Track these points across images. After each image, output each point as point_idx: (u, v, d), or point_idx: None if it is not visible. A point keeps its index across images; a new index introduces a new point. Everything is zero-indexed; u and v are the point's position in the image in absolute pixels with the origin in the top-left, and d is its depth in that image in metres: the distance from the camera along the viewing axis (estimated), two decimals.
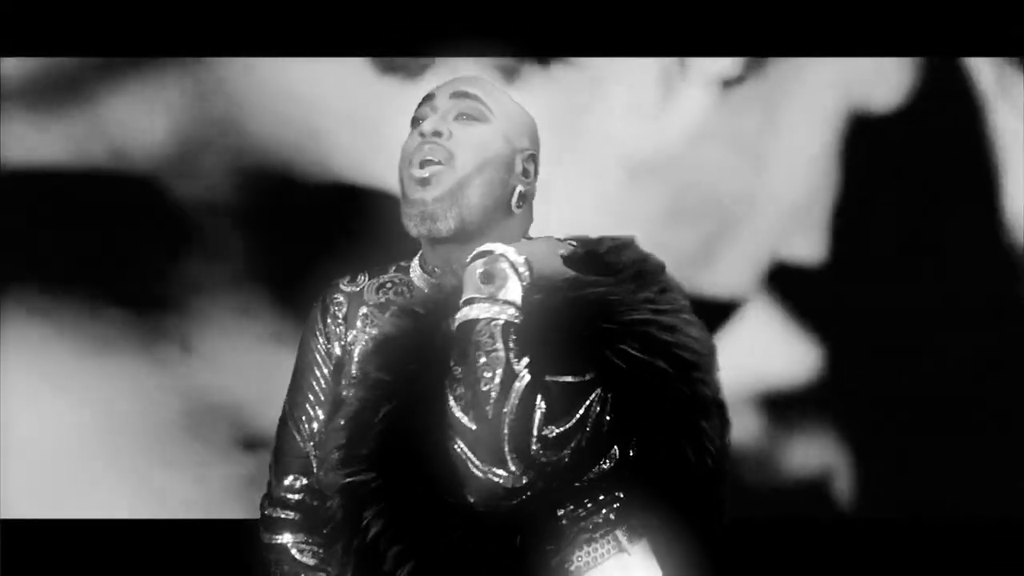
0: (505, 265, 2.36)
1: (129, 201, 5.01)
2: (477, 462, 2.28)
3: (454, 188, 2.49)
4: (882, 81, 5.02)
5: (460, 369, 2.31)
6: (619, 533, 2.42)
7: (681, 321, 2.39)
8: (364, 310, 2.56)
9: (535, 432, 2.28)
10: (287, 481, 2.55)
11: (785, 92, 5.02)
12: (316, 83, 5.03)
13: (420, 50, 4.88)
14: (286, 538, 2.53)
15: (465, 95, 2.55)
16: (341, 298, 2.60)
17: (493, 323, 2.31)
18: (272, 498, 2.55)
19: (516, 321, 2.32)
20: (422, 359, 2.36)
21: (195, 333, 5.02)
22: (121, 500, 5.00)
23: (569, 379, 2.31)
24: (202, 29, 4.96)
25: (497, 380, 2.28)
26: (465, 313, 2.33)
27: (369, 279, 2.61)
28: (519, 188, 2.55)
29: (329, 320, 2.59)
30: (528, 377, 2.29)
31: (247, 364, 5.02)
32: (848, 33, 4.93)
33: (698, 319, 2.44)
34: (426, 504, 2.32)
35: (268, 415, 4.78)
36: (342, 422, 2.42)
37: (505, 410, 2.27)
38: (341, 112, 5.05)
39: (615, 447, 2.38)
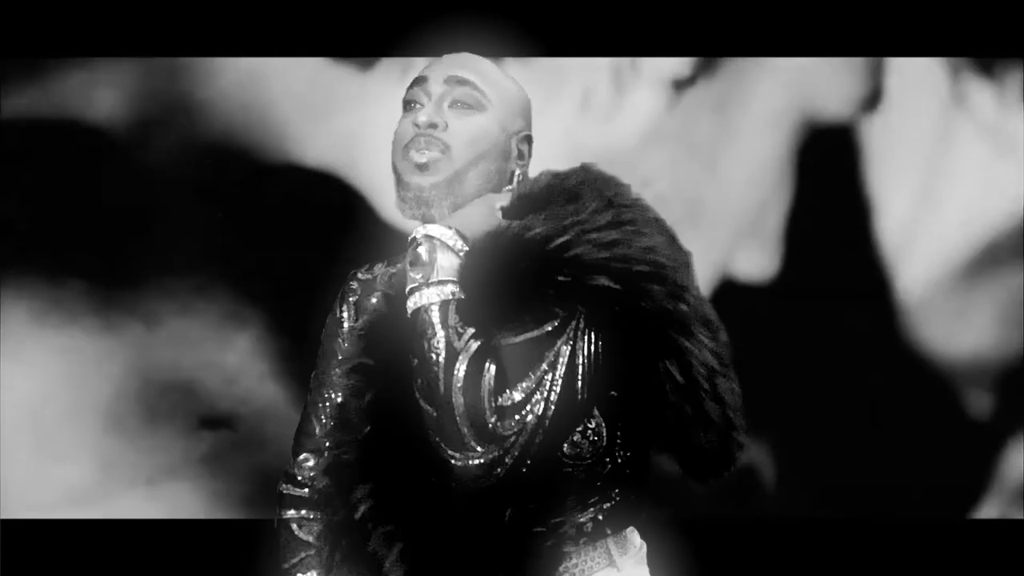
0: (427, 245, 2.30)
1: (90, 174, 5.04)
2: (448, 449, 2.24)
3: (451, 178, 2.42)
4: (835, 85, 5.05)
5: (415, 359, 2.27)
6: (611, 544, 2.39)
7: (625, 233, 2.25)
8: (375, 298, 2.52)
9: (487, 405, 2.22)
10: (300, 458, 2.58)
11: (738, 94, 5.04)
12: (272, 71, 5.04)
13: (377, 49, 4.93)
14: (291, 514, 2.57)
15: (461, 81, 2.45)
16: (356, 286, 2.61)
17: (430, 308, 2.26)
18: (287, 475, 2.59)
19: (454, 298, 2.27)
20: (399, 342, 2.34)
21: (157, 310, 5.05)
22: (81, 472, 5.03)
23: (526, 335, 2.24)
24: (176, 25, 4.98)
25: (441, 362, 2.23)
26: (409, 306, 2.30)
27: (384, 267, 2.61)
28: (516, 172, 2.47)
29: (344, 308, 2.60)
30: (473, 348, 2.24)
31: (206, 342, 5.05)
32: (802, 34, 4.95)
33: (663, 229, 2.31)
34: (412, 481, 2.32)
35: (228, 393, 4.88)
36: (330, 408, 2.48)
37: (452, 391, 2.22)
38: (297, 97, 5.06)
39: (611, 394, 2.31)
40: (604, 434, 2.35)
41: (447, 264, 2.30)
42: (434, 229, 2.32)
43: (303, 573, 2.55)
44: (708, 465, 2.34)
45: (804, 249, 5.09)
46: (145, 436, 5.04)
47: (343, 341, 2.56)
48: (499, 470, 2.24)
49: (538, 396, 2.23)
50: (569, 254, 2.23)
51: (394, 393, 2.34)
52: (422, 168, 2.42)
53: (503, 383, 2.24)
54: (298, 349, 4.99)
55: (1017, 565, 4.99)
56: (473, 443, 2.23)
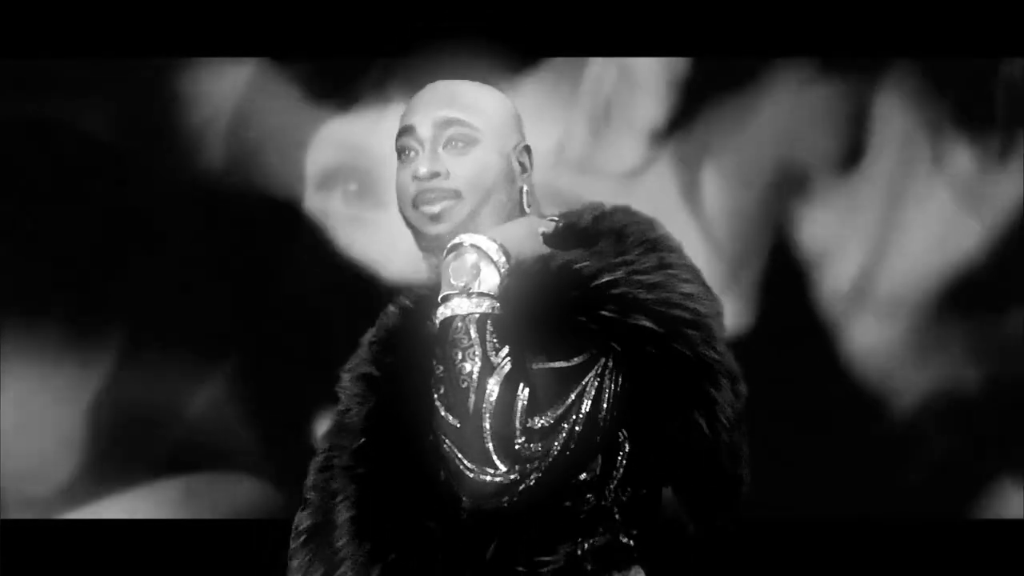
0: (474, 256, 2.28)
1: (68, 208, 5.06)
2: (466, 462, 2.21)
3: (466, 220, 2.40)
4: (816, 140, 5.10)
5: (441, 368, 2.24)
6: None
7: (668, 278, 2.26)
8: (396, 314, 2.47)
9: (518, 425, 2.21)
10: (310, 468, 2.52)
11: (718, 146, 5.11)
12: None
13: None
14: (296, 517, 2.52)
15: (448, 122, 2.42)
16: (393, 308, 2.51)
17: (468, 318, 2.24)
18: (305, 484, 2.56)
19: (493, 312, 2.25)
20: (410, 355, 2.31)
21: (131, 344, 5.05)
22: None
23: (557, 364, 2.24)
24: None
25: (475, 376, 2.21)
26: (442, 311, 2.27)
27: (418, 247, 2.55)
28: (524, 188, 2.45)
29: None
30: (508, 367, 2.22)
31: (182, 377, 5.06)
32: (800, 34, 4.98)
33: (699, 278, 2.32)
34: (398, 496, 2.29)
35: (202, 429, 4.88)
36: (339, 410, 2.41)
37: (484, 406, 2.20)
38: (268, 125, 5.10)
39: (619, 439, 2.30)
40: (596, 473, 2.31)
41: (489, 278, 2.28)
42: (481, 241, 2.30)
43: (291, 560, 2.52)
44: (707, 511, 2.36)
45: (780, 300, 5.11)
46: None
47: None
48: (516, 491, 2.23)
49: (566, 425, 2.23)
50: (616, 291, 2.23)
51: (396, 407, 2.32)
52: (436, 218, 2.41)
53: (535, 406, 2.23)
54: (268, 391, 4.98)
55: (1017, 565, 5.01)
56: (496, 460, 2.21)
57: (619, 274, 2.24)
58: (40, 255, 5.07)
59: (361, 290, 4.95)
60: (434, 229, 2.41)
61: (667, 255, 2.31)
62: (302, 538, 2.38)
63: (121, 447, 5.06)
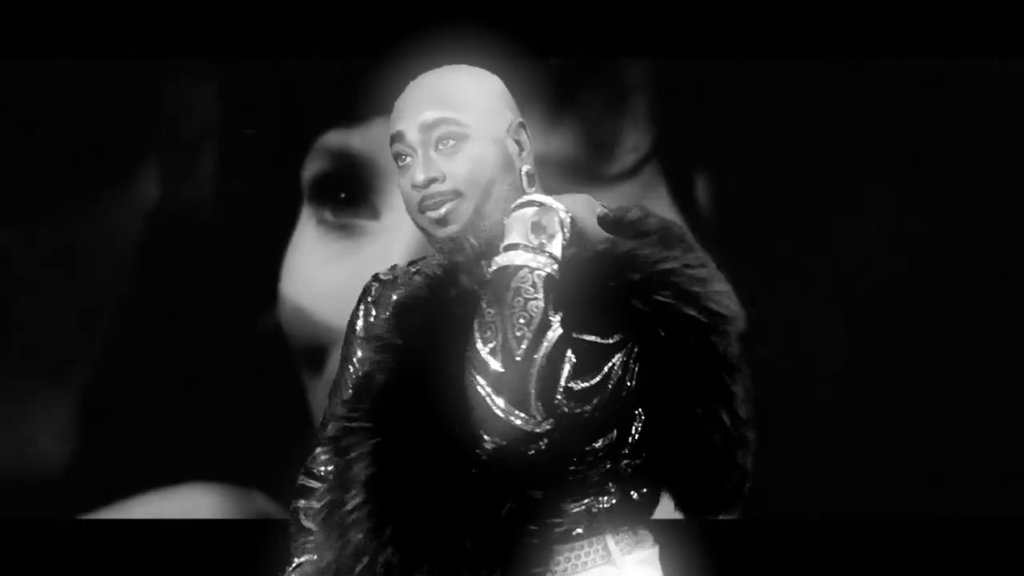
0: (556, 219, 2.32)
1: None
2: (501, 403, 2.25)
3: (473, 217, 2.46)
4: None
5: (492, 311, 2.29)
6: (610, 541, 2.42)
7: (709, 274, 2.36)
8: (395, 295, 2.54)
9: (562, 383, 2.28)
10: (316, 451, 2.59)
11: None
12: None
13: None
14: (301, 503, 2.58)
15: (433, 123, 2.46)
16: (377, 285, 2.63)
17: (536, 272, 2.28)
18: (305, 468, 2.61)
19: (556, 276, 2.30)
20: (434, 324, 2.35)
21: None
22: None
23: (595, 339, 2.30)
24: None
25: (533, 327, 2.26)
26: (510, 258, 2.30)
27: (406, 268, 2.63)
28: (524, 169, 2.50)
29: (363, 306, 2.62)
30: (560, 330, 2.27)
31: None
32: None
33: (723, 278, 2.42)
34: (416, 465, 2.31)
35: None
36: (350, 385, 2.46)
37: (536, 356, 2.25)
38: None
39: (635, 412, 2.37)
40: (611, 443, 2.39)
41: (559, 243, 2.32)
42: (559, 207, 2.35)
43: (299, 556, 2.55)
44: (712, 504, 2.43)
45: None
46: None
47: (371, 330, 2.56)
48: (541, 442, 2.29)
49: (599, 392, 2.32)
50: (673, 279, 2.32)
51: (418, 371, 2.35)
52: (442, 222, 2.46)
53: (579, 371, 2.29)
54: None
55: (1017, 565, 5.02)
56: (533, 407, 2.26)
57: (675, 265, 2.33)
58: None
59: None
60: (442, 232, 2.46)
61: (703, 256, 2.40)
62: (323, 515, 2.39)
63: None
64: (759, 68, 5.09)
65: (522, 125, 2.51)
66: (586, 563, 2.40)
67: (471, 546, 2.28)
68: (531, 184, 2.49)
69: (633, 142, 5.13)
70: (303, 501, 2.58)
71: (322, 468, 2.57)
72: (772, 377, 4.93)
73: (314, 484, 2.58)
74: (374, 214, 5.08)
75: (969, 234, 5.12)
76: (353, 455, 2.35)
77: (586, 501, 2.38)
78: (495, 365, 2.26)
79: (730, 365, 2.35)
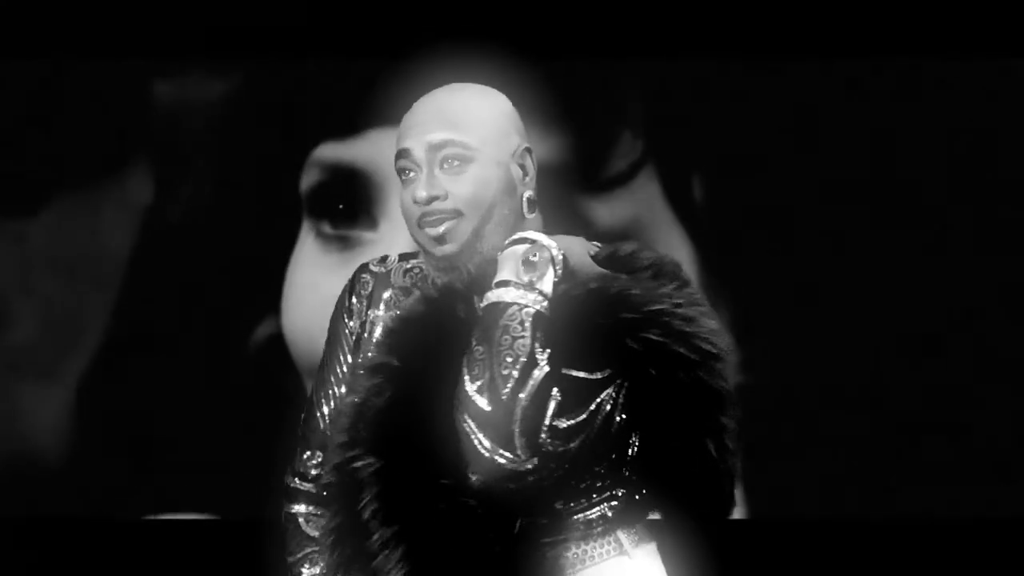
0: (548, 256, 2.37)
1: None
2: (485, 442, 2.30)
3: (471, 238, 2.48)
4: None
5: (481, 349, 2.32)
6: (621, 535, 2.45)
7: (699, 313, 2.39)
8: (388, 293, 2.57)
9: (547, 422, 2.31)
10: (307, 455, 2.60)
11: None
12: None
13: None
14: (299, 508, 2.59)
15: (441, 144, 2.47)
16: (368, 277, 2.62)
17: (525, 310, 2.33)
18: (293, 470, 2.61)
19: (545, 313, 2.33)
20: (431, 345, 2.38)
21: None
22: None
23: (582, 375, 2.33)
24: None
25: (519, 366, 2.29)
26: (500, 295, 2.34)
27: (398, 262, 2.62)
28: (526, 195, 2.52)
29: (354, 298, 2.61)
30: (548, 368, 2.30)
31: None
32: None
33: (716, 316, 2.45)
34: (422, 486, 2.34)
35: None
36: (349, 406, 2.43)
37: (521, 395, 2.29)
38: None
39: (630, 440, 2.40)
40: (610, 466, 2.43)
41: (549, 281, 2.37)
42: (552, 245, 2.39)
43: (310, 567, 2.57)
44: (697, 521, 2.46)
45: None
46: None
47: (358, 332, 2.58)
48: (526, 480, 2.33)
49: (585, 430, 2.35)
50: (663, 319, 2.36)
51: (416, 395, 2.38)
52: (440, 240, 2.48)
53: (564, 409, 2.33)
54: None
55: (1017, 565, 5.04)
56: (518, 447, 2.30)
57: (665, 305, 2.37)
58: None
59: None
60: (439, 251, 2.48)
61: (694, 293, 2.45)
62: (331, 538, 2.41)
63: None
64: (755, 70, 5.11)
65: (528, 151, 2.53)
66: (602, 554, 2.44)
67: (485, 564, 2.33)
68: (531, 210, 2.52)
69: (627, 146, 5.15)
70: (301, 506, 2.59)
71: (314, 471, 2.59)
72: (771, 378, 4.98)
73: (306, 487, 2.59)
74: (372, 225, 5.09)
75: (970, 234, 5.13)
76: (364, 494, 2.37)
77: (599, 509, 2.43)
78: (481, 403, 2.31)
79: (720, 399, 2.39)
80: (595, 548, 2.44)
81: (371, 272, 2.63)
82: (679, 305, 2.38)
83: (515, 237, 2.39)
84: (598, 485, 2.42)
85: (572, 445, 2.33)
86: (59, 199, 5.14)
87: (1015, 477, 5.08)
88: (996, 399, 5.11)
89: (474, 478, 2.32)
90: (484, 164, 2.48)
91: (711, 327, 2.40)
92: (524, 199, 2.51)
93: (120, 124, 5.15)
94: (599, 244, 2.50)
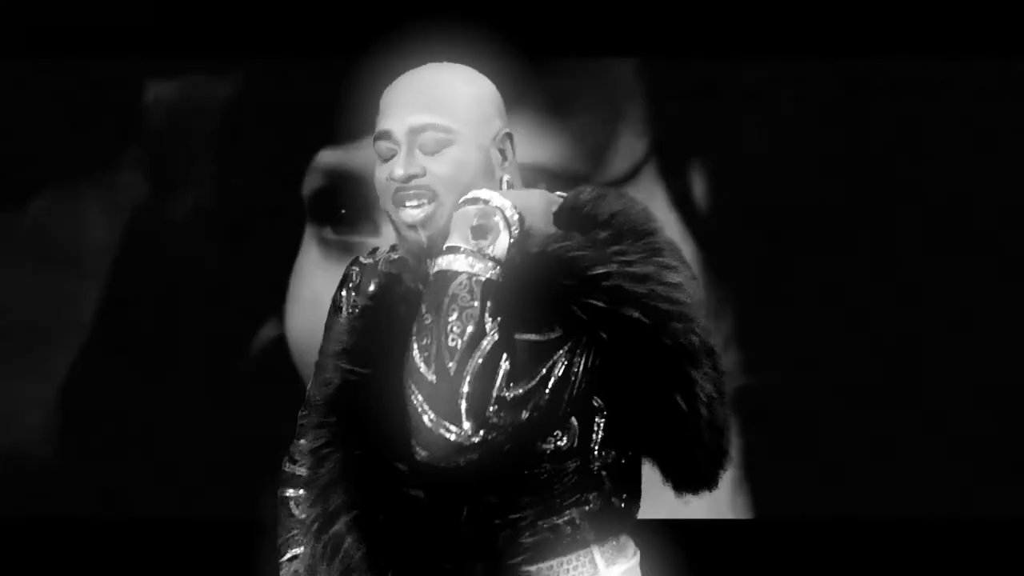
0: (499, 219, 2.32)
1: None
2: (432, 414, 2.25)
3: (447, 225, 2.41)
4: None
5: (429, 318, 2.29)
6: (596, 551, 2.40)
7: (656, 268, 2.31)
8: (375, 283, 2.53)
9: (494, 393, 2.26)
10: (302, 442, 2.58)
11: None
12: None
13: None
14: (290, 492, 2.60)
15: (422, 127, 2.43)
16: (357, 269, 2.62)
17: (475, 279, 2.28)
18: (289, 454, 2.63)
19: (497, 280, 2.29)
20: (380, 322, 2.36)
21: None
22: None
23: (533, 337, 2.28)
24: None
25: (466, 336, 2.25)
26: (449, 262, 2.31)
27: (387, 252, 2.61)
28: (505, 179, 2.47)
29: (343, 291, 2.62)
30: (496, 336, 2.27)
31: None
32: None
33: (683, 263, 2.38)
34: (378, 471, 2.32)
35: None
36: (326, 391, 2.42)
37: (468, 368, 2.25)
38: None
39: (594, 419, 2.36)
40: (576, 438, 2.38)
41: (502, 244, 2.32)
42: (506, 206, 2.34)
43: (291, 548, 2.57)
44: (694, 482, 2.42)
45: None
46: None
47: (340, 325, 2.55)
48: (474, 453, 2.27)
49: (534, 397, 2.30)
50: (608, 284, 2.28)
51: (365, 376, 2.36)
52: (414, 227, 2.43)
53: (513, 377, 2.28)
54: None
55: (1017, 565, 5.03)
56: (464, 420, 2.25)
57: (612, 267, 2.29)
58: None
59: None
60: (412, 234, 2.44)
61: (656, 242, 2.36)
62: (314, 526, 2.40)
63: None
64: (756, 68, 5.11)
65: (508, 135, 2.49)
66: (571, 571, 2.39)
67: (441, 551, 2.31)
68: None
69: (629, 146, 5.15)
70: (291, 490, 2.60)
71: (299, 456, 2.59)
72: (771, 378, 4.98)
73: (299, 471, 2.58)
74: (375, 230, 5.09)
75: (971, 233, 5.13)
76: (324, 468, 2.37)
77: (567, 513, 2.38)
78: (428, 374, 2.26)
79: (685, 352, 2.32)
80: (567, 570, 2.39)
81: (360, 264, 2.63)
82: (631, 263, 2.30)
83: (467, 196, 2.35)
84: (565, 480, 2.36)
85: (521, 416, 2.28)
86: (47, 194, 5.16)
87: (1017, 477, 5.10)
88: (997, 400, 5.11)
89: (420, 453, 2.27)
90: (464, 146, 2.44)
91: (670, 282, 2.32)
92: (503, 183, 2.46)
93: (114, 122, 5.15)
94: (563, 193, 2.45)
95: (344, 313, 2.60)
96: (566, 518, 2.37)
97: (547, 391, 2.30)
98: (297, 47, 5.08)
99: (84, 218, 5.16)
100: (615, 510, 2.42)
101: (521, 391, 2.28)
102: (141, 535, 5.09)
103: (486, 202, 2.33)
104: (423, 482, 2.30)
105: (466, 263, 2.30)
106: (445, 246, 2.32)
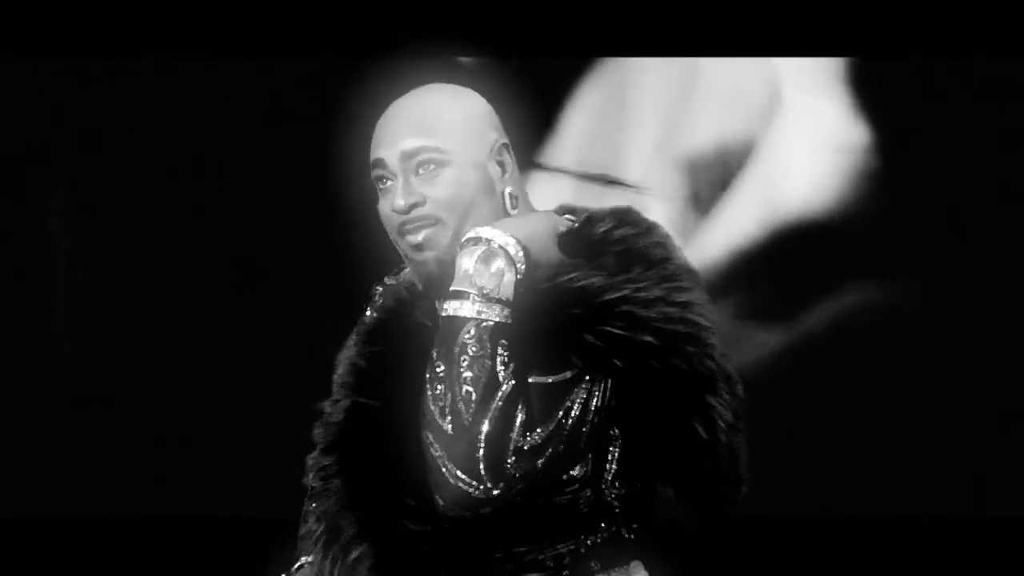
0: (503, 260, 2.30)
1: None
2: (451, 466, 2.25)
3: (451, 242, 2.40)
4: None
5: (441, 366, 2.28)
6: None
7: (666, 292, 2.30)
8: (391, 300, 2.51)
9: (511, 445, 2.24)
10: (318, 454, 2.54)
11: None
12: None
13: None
14: (310, 507, 2.55)
15: (413, 152, 2.41)
16: (380, 289, 2.60)
17: (483, 325, 2.27)
18: (307, 467, 2.56)
19: (507, 323, 2.28)
20: (391, 351, 2.36)
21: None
22: None
23: (548, 380, 2.27)
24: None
25: (480, 387, 2.24)
26: (455, 308, 2.29)
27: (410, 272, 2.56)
28: (507, 191, 2.44)
29: (367, 312, 2.59)
30: (510, 385, 2.25)
31: None
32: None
33: (698, 287, 2.36)
34: (385, 500, 2.33)
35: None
36: (328, 412, 2.43)
37: (484, 421, 2.23)
38: None
39: (608, 448, 2.35)
40: (589, 468, 2.36)
41: (509, 284, 2.30)
42: (509, 244, 2.32)
43: (303, 556, 2.57)
44: (709, 510, 2.40)
45: None
46: None
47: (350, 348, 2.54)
48: (496, 505, 2.27)
49: (552, 442, 2.27)
50: (621, 309, 2.26)
51: (379, 401, 2.37)
52: (419, 248, 2.42)
53: (530, 425, 2.26)
54: None
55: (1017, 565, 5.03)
56: (483, 475, 2.24)
57: (624, 292, 2.27)
58: None
59: None
60: (420, 257, 2.42)
61: (669, 268, 2.35)
62: (321, 541, 2.41)
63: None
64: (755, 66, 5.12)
65: (505, 146, 2.47)
66: None
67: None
68: (514, 206, 2.45)
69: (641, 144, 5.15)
70: (314, 504, 2.57)
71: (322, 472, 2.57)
72: (772, 377, 4.99)
73: (316, 484, 2.55)
74: None
75: (973, 232, 5.13)
76: (330, 487, 2.39)
77: (575, 543, 2.37)
78: (444, 426, 2.25)
79: (701, 377, 2.30)
80: None
81: (384, 284, 2.61)
82: (640, 289, 2.27)
83: (468, 236, 2.34)
84: (577, 509, 2.36)
85: (539, 463, 2.26)
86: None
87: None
88: (997, 399, 5.11)
89: (441, 503, 2.27)
90: (460, 166, 2.42)
91: (681, 300, 2.30)
92: (506, 196, 2.44)
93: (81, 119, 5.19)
94: (572, 217, 2.44)
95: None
96: (570, 546, 2.37)
97: (564, 434, 2.28)
98: (295, 48, 5.09)
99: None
100: (623, 541, 2.41)
101: (538, 439, 2.26)
102: (140, 536, 5.10)
103: (488, 241, 2.32)
104: (430, 517, 2.30)
105: (473, 310, 2.28)
106: (451, 289, 2.31)
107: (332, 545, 2.38)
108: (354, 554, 2.34)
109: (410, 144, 2.42)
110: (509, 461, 2.24)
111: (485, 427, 2.23)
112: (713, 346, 2.32)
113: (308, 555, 2.54)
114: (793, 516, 5.04)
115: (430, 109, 2.46)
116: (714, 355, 2.31)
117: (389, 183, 2.44)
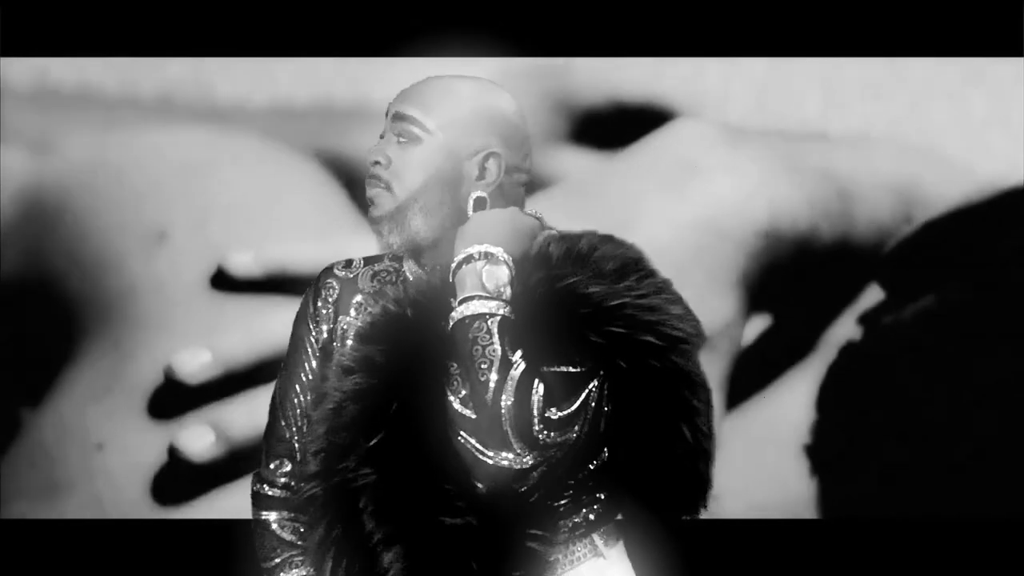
0: (504, 269, 2.42)
1: None
2: (483, 448, 2.36)
3: (393, 212, 2.50)
4: None
5: (456, 366, 2.39)
6: (595, 536, 2.48)
7: (662, 301, 2.42)
8: (358, 298, 2.57)
9: (536, 414, 2.34)
10: (273, 465, 2.58)
11: None
12: None
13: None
14: (271, 515, 2.57)
15: (401, 117, 2.51)
16: (334, 283, 2.60)
17: (490, 318, 2.38)
18: (260, 477, 2.59)
19: (511, 316, 2.38)
20: (418, 344, 2.42)
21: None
22: None
23: (565, 369, 2.37)
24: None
25: (494, 369, 2.34)
26: (462, 310, 2.39)
27: (364, 266, 2.61)
28: (474, 195, 2.50)
29: (319, 304, 2.60)
30: (524, 365, 2.35)
31: None
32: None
33: (683, 303, 2.47)
34: (421, 493, 2.38)
35: None
36: (330, 409, 2.43)
37: (503, 396, 2.34)
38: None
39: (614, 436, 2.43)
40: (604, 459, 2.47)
41: (509, 288, 2.42)
42: (504, 255, 2.43)
43: (286, 572, 2.56)
44: (679, 509, 2.48)
45: None
46: None
47: (325, 339, 2.58)
48: (533, 477, 2.38)
49: (582, 415, 2.38)
50: (624, 312, 2.39)
51: (409, 395, 2.41)
52: (370, 203, 2.53)
53: (551, 400, 2.36)
54: None
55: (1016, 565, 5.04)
56: (515, 444, 2.35)
57: (626, 298, 2.39)
58: None
59: None
60: (370, 212, 2.54)
61: (658, 282, 2.45)
62: (331, 551, 2.43)
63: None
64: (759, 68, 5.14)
65: (495, 156, 2.52)
66: (579, 557, 2.48)
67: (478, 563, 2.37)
68: (476, 211, 2.50)
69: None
70: (272, 513, 2.58)
71: (282, 480, 2.57)
72: (773, 378, 4.97)
73: (276, 493, 2.57)
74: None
75: (973, 231, 5.13)
76: (350, 489, 2.39)
77: (582, 507, 2.47)
78: (468, 414, 2.37)
79: (692, 382, 2.42)
80: (574, 551, 2.48)
81: (336, 277, 2.61)
82: (641, 296, 2.40)
83: (462, 256, 2.42)
84: (589, 485, 2.45)
85: (572, 433, 2.37)
86: None
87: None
88: (997, 399, 5.11)
89: (481, 487, 2.37)
90: (431, 150, 2.51)
91: (676, 313, 2.42)
92: (471, 198, 2.51)
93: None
94: (551, 227, 2.52)
95: (322, 328, 2.59)
96: (580, 517, 2.47)
97: (590, 410, 2.38)
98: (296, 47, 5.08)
99: None
100: (615, 502, 2.49)
101: (566, 412, 2.37)
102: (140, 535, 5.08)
103: (491, 254, 2.42)
104: (474, 506, 2.37)
105: (478, 305, 2.39)
106: (459, 299, 2.40)
107: (348, 553, 2.41)
108: (387, 558, 2.37)
109: (402, 109, 2.52)
110: (537, 428, 2.34)
111: (504, 399, 2.34)
112: (696, 353, 2.44)
113: (299, 569, 2.55)
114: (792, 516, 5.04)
115: (446, 90, 2.55)
116: (696, 360, 2.44)
117: (380, 136, 2.55)
